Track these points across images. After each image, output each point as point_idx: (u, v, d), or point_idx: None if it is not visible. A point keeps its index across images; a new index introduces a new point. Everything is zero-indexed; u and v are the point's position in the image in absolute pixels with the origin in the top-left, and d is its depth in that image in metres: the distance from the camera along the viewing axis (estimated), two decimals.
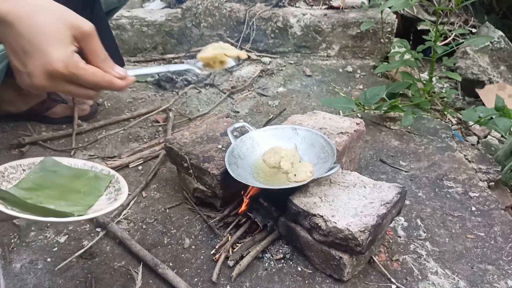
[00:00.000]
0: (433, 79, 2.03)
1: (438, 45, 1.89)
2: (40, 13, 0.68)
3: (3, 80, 1.49)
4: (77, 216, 0.81)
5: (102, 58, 0.75)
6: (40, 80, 0.68)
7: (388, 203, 1.06)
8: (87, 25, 0.72)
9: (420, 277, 1.10)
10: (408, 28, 2.75)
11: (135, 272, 1.11)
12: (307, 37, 2.38)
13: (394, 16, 2.41)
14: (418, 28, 2.67)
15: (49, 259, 1.15)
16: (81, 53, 0.73)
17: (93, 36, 0.73)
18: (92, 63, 0.73)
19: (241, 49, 2.37)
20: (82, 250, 1.17)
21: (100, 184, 0.95)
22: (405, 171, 1.51)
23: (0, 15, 0.66)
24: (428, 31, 2.01)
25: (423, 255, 1.16)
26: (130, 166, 1.52)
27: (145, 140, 1.69)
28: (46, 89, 0.71)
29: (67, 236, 1.22)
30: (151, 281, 1.09)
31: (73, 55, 0.70)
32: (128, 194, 1.36)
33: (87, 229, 1.25)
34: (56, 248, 1.18)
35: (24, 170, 0.94)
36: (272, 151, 1.25)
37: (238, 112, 1.92)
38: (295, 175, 1.14)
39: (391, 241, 1.21)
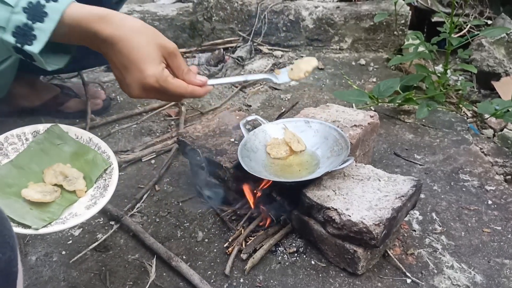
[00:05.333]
0: (448, 71, 2.00)
1: (453, 37, 1.86)
2: (136, 35, 0.83)
3: (16, 75, 1.49)
4: (39, 228, 0.81)
5: (185, 71, 0.90)
6: (136, 91, 0.85)
7: (403, 196, 1.04)
8: (172, 45, 0.87)
9: (435, 271, 1.08)
10: (422, 20, 2.71)
11: (149, 265, 1.11)
12: (320, 30, 2.35)
13: (408, 8, 2.38)
14: (432, 20, 2.63)
15: (63, 252, 1.16)
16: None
17: (177, 54, 0.88)
18: (177, 76, 0.89)
19: (253, 43, 2.36)
20: (96, 243, 1.17)
21: (93, 172, 0.94)
22: (419, 165, 1.49)
23: (105, 37, 0.81)
24: (443, 23, 1.97)
25: (438, 249, 1.15)
26: (143, 160, 1.52)
27: (157, 134, 1.69)
28: (142, 97, 0.88)
29: (81, 229, 1.23)
30: (164, 273, 1.09)
31: (163, 71, 0.85)
32: (142, 187, 1.38)
33: (101, 223, 1.25)
34: (70, 241, 1.19)
35: (27, 139, 0.94)
36: (275, 142, 1.25)
37: (250, 106, 1.91)
38: (291, 69, 1.06)
39: (406, 234, 1.19)
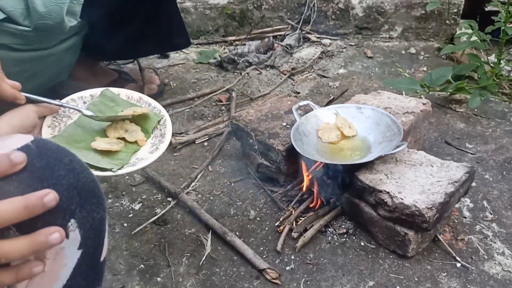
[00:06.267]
0: (501, 61, 1.96)
1: (508, 27, 1.82)
2: None
3: (77, 59, 1.58)
4: (116, 170, 0.91)
5: None
6: None
7: (456, 182, 1.05)
8: None
9: (486, 257, 1.09)
10: (474, 9, 2.64)
11: (205, 238, 1.18)
12: (369, 18, 2.34)
13: None
14: (486, 9, 2.56)
15: (125, 224, 1.24)
16: None
17: None
18: None
19: (302, 31, 2.38)
20: (155, 217, 1.25)
21: (148, 125, 1.04)
22: (471, 153, 1.48)
23: None
24: (497, 12, 1.92)
25: (489, 236, 1.15)
26: (196, 142, 1.59)
27: (209, 118, 1.75)
28: None
29: (141, 204, 1.31)
30: (219, 247, 1.15)
31: None
32: (196, 167, 1.45)
33: (159, 199, 1.33)
34: (131, 215, 1.27)
35: (84, 102, 1.03)
36: (327, 127, 1.28)
37: (298, 92, 1.94)
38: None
39: (456, 221, 1.20)
